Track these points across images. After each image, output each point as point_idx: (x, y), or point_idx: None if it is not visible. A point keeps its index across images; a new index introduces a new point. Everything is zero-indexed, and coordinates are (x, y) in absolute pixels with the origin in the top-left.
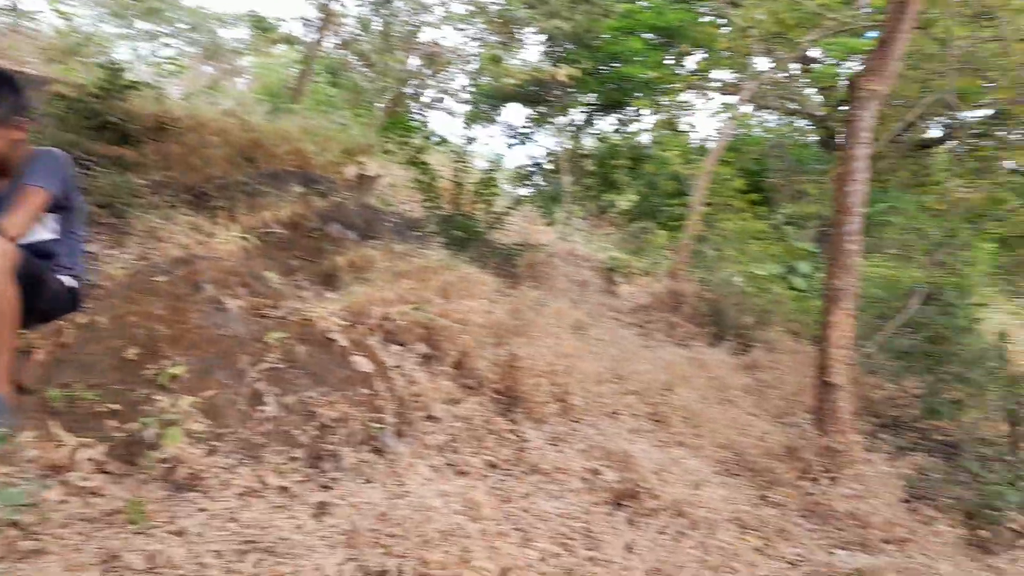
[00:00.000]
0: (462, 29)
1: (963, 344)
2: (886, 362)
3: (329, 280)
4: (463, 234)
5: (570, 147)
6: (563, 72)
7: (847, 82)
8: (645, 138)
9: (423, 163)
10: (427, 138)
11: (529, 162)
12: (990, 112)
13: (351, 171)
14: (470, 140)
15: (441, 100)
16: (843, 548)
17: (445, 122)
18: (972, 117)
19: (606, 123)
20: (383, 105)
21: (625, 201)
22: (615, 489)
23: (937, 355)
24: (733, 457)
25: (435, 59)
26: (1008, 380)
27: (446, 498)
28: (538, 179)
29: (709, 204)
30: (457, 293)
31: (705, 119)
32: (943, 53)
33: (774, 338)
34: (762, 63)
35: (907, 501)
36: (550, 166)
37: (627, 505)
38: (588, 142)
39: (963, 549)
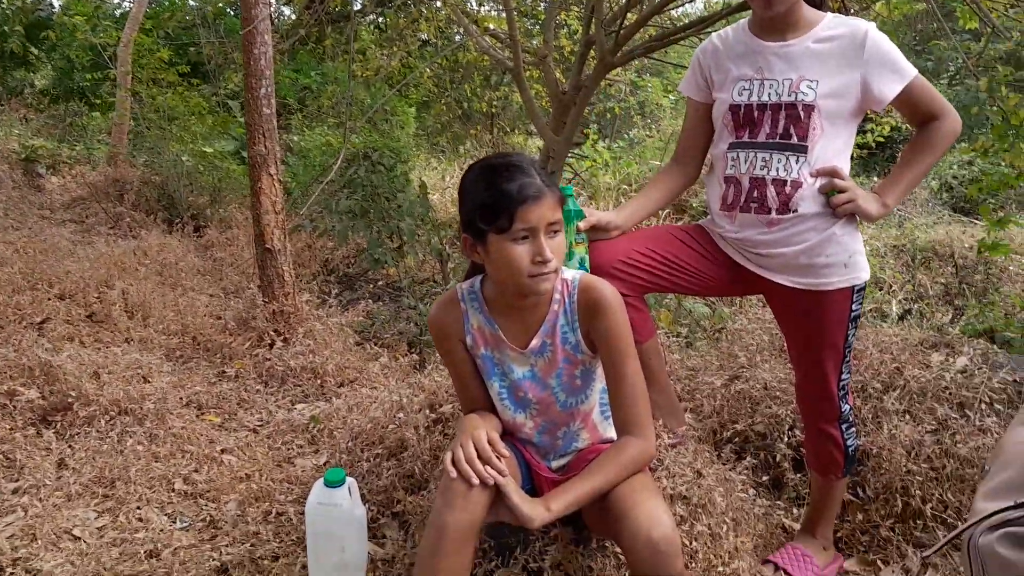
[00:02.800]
0: None
1: (397, 199)
2: (336, 223)
3: None
4: None
5: None
6: None
7: None
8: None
9: None
10: None
11: None
12: None
13: None
14: None
15: None
16: (303, 402)
17: None
18: None
19: None
20: None
21: (41, 79)
22: (40, 407)
23: (376, 211)
24: (188, 342)
25: None
26: (433, 225)
27: None
28: None
29: (138, 79)
30: None
31: None
32: None
33: (229, 215)
34: None
35: (359, 345)
36: None
37: (56, 420)
38: None
39: (406, 373)
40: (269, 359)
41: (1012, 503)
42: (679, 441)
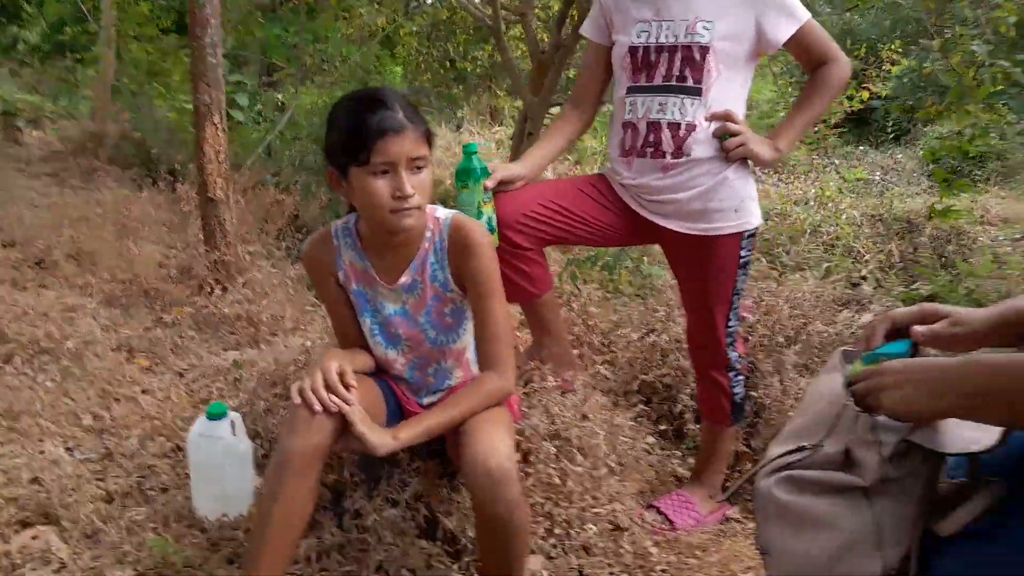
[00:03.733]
0: None
1: None
2: (298, 179)
3: None
4: None
5: None
6: None
7: None
8: None
9: None
10: None
11: None
12: None
13: None
14: None
15: None
16: (234, 349)
17: None
18: None
19: None
20: None
21: (34, 35)
22: None
23: None
24: (132, 290)
25: None
26: None
27: None
28: None
29: (122, 34)
30: None
31: None
32: None
33: None
34: None
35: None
36: None
37: None
38: None
39: None
40: (206, 307)
41: (794, 447)
42: (567, 387)
